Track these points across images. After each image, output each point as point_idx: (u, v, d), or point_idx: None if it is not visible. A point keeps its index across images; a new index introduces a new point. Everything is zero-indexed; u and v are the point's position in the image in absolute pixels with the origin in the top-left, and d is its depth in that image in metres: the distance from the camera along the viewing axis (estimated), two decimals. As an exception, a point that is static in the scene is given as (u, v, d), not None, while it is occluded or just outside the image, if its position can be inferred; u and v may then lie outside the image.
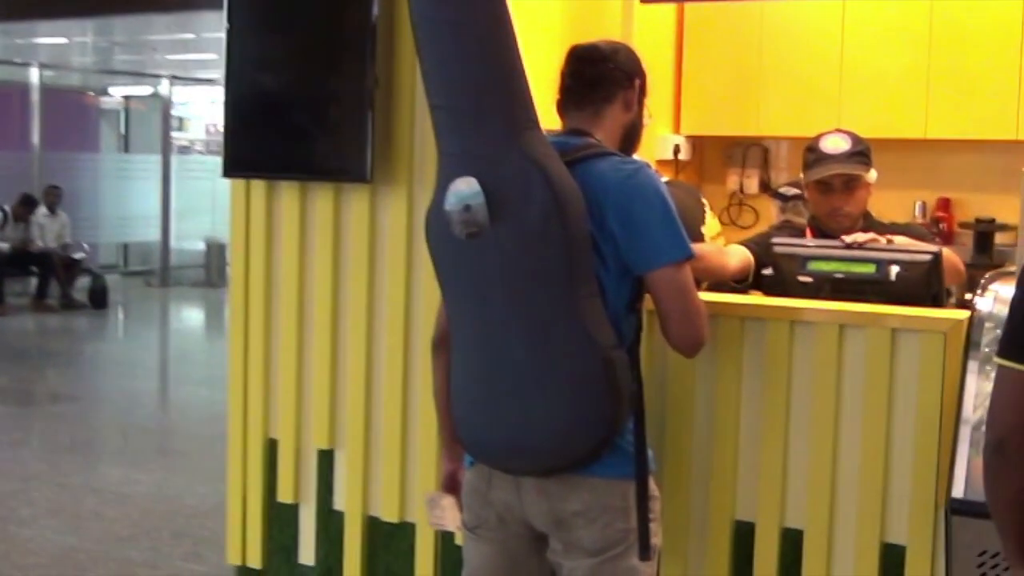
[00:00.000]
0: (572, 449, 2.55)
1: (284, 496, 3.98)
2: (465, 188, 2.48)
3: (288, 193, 3.88)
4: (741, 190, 6.28)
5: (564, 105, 2.74)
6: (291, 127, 3.70)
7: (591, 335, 2.48)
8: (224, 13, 3.77)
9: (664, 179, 4.24)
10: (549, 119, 2.71)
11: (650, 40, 5.56)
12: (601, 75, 2.71)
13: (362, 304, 3.76)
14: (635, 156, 4.08)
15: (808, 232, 3.77)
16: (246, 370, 3.99)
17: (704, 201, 4.28)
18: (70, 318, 13.86)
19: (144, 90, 18.16)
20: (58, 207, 14.53)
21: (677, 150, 5.96)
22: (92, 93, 18.09)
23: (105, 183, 16.58)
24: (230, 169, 3.85)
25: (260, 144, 3.80)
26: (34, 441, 7.99)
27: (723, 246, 3.93)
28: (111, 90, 18.39)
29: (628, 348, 2.59)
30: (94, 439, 8.12)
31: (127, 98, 18.24)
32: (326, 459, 3.89)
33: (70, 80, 18.19)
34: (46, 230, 14.30)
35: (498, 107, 2.49)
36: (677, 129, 6.08)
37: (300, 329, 3.89)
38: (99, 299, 14.30)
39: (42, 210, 14.37)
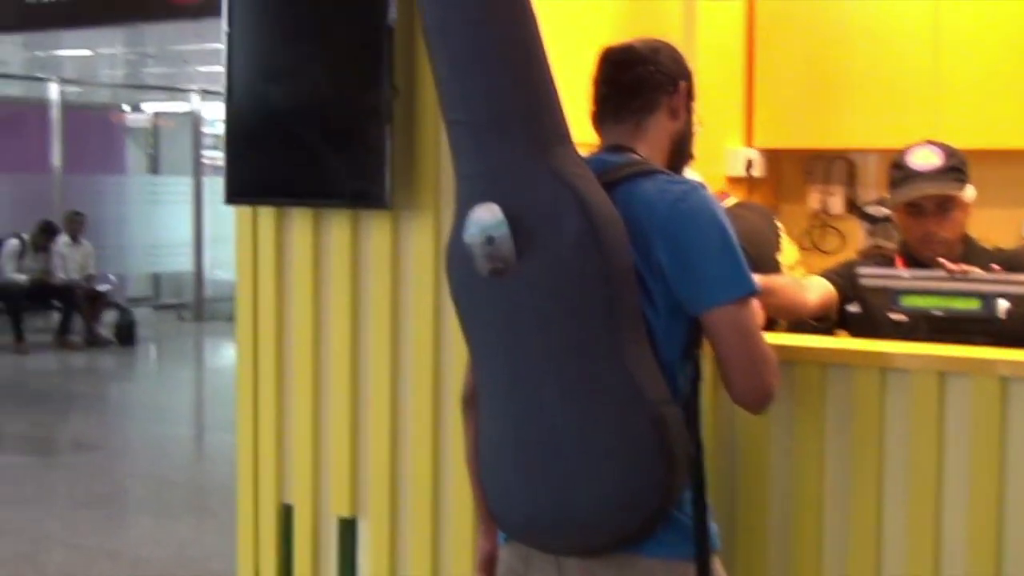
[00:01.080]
0: (619, 524, 2.36)
1: (301, 570, 3.79)
2: (487, 216, 2.32)
3: (300, 221, 3.70)
4: (824, 210, 6.00)
5: (600, 117, 2.60)
6: (300, 145, 3.53)
7: (638, 387, 2.30)
8: (223, 17, 3.60)
9: (732, 200, 4.08)
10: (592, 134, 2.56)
11: (716, 39, 5.35)
12: (640, 80, 2.55)
13: (385, 349, 3.57)
14: (689, 173, 3.90)
15: (898, 260, 3.54)
16: (256, 425, 3.83)
17: (779, 225, 4.06)
18: (95, 356, 13.86)
19: (174, 106, 18.19)
20: (81, 235, 14.55)
21: (749, 165, 5.71)
22: (117, 110, 18.14)
23: (133, 208, 16.58)
24: (234, 195, 3.68)
25: (267, 166, 3.63)
26: (49, 496, 7.89)
27: (802, 278, 3.70)
28: (138, 106, 18.43)
29: (684, 402, 2.40)
30: (115, 493, 8.02)
31: (156, 115, 18.26)
32: (348, 529, 3.70)
33: (93, 96, 18.26)
34: (68, 260, 14.33)
35: (522, 120, 2.33)
36: (749, 142, 5.82)
37: (316, 378, 3.71)
38: (126, 335, 14.29)
39: (63, 239, 14.39)
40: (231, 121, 3.65)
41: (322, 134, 3.51)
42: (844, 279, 3.45)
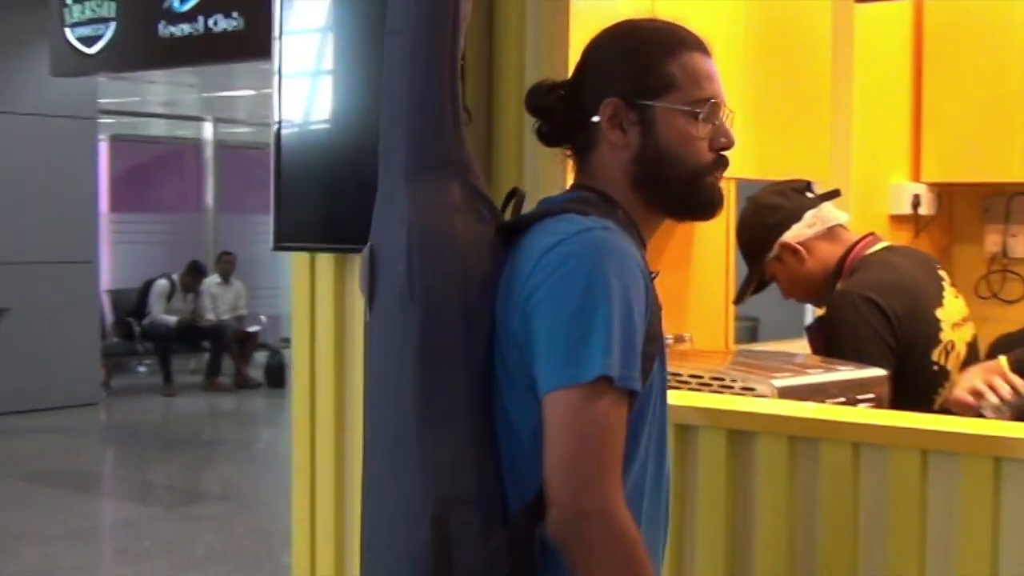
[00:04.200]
0: None
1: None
2: (365, 252, 2.02)
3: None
4: (1004, 253, 5.35)
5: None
6: (359, 184, 3.06)
7: (428, 476, 1.87)
8: (274, 57, 3.24)
9: (881, 244, 3.46)
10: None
11: (877, 57, 4.76)
12: (548, 133, 2.11)
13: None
14: (832, 212, 3.30)
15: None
16: (313, 507, 3.35)
17: (942, 274, 3.43)
18: (244, 399, 13.73)
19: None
20: (232, 275, 14.43)
21: (917, 203, 5.11)
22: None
23: (288, 247, 16.47)
24: (283, 240, 3.22)
25: (322, 208, 3.20)
26: (167, 550, 7.62)
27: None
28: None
29: (529, 506, 1.85)
30: (233, 551, 7.69)
31: (316, 152, 18.21)
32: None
33: (252, 136, 18.30)
34: (218, 301, 14.24)
35: (401, 141, 1.99)
36: (916, 176, 5.21)
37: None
38: (276, 377, 14.09)
39: (214, 279, 14.32)
40: (281, 161, 3.24)
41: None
42: None
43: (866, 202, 4.72)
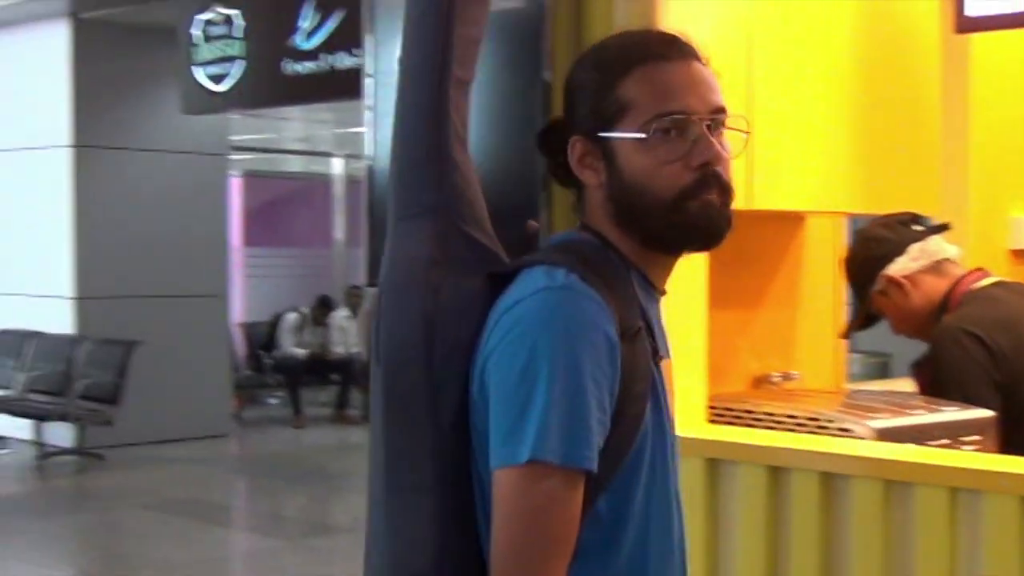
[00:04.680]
0: None
1: None
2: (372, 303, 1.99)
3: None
4: None
5: None
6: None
7: (389, 546, 1.77)
8: (365, 96, 3.30)
9: (990, 279, 3.36)
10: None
11: (992, 82, 4.61)
12: (560, 168, 1.88)
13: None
14: (940, 245, 3.21)
15: None
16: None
17: (1055, 313, 3.31)
18: (372, 432, 13.79)
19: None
20: (360, 309, 14.58)
21: (1038, 236, 4.94)
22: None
23: (416, 280, 16.66)
24: (377, 275, 3.24)
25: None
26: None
27: None
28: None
29: None
30: (353, 583, 7.73)
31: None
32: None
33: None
34: (347, 334, 14.36)
35: (395, 182, 1.90)
36: (1038, 207, 5.05)
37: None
38: (403, 410, 14.18)
39: (342, 312, 14.46)
40: (374, 197, 3.29)
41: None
42: None
43: (985, 236, 4.57)
